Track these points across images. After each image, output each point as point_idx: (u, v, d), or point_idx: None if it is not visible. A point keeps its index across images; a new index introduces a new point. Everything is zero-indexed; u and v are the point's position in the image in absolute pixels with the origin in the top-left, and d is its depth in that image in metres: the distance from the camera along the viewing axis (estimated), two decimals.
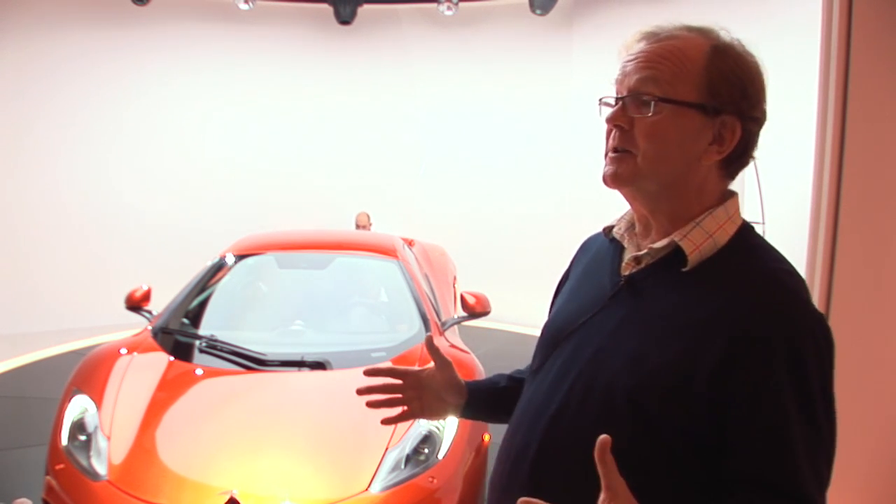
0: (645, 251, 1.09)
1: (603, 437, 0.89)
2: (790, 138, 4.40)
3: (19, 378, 5.77)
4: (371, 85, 8.48)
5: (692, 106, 1.03)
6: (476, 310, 3.85)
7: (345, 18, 8.14)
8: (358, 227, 7.21)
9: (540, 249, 7.93)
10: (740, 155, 1.07)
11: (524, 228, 8.11)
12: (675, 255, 1.06)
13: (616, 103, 1.07)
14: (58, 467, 2.67)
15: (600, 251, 1.22)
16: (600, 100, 1.11)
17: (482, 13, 8.31)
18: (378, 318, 4.01)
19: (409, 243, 5.32)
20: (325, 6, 8.13)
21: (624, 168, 1.06)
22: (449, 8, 7.80)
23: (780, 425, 0.96)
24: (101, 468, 2.60)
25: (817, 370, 0.97)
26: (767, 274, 1.01)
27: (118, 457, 2.62)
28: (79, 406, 2.90)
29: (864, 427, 2.35)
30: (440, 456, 2.68)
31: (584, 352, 1.09)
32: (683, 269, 1.05)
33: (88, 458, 2.66)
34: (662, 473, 0.99)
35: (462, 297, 3.95)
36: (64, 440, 2.77)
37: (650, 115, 1.03)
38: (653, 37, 1.07)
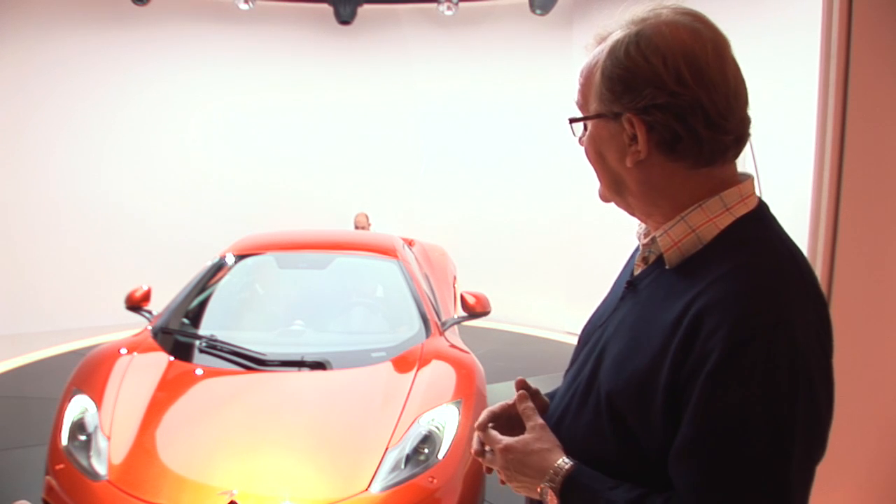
0: (646, 250, 1.09)
1: (520, 392, 1.14)
2: (790, 137, 4.40)
3: (19, 378, 5.77)
4: (371, 85, 8.48)
5: (594, 117, 1.05)
6: (476, 310, 3.85)
7: (345, 18, 8.14)
8: (357, 227, 7.21)
9: (540, 249, 7.95)
10: (674, 142, 0.97)
11: (523, 228, 8.12)
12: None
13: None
14: (58, 467, 2.67)
15: (633, 254, 1.21)
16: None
17: (482, 13, 8.31)
18: (378, 318, 4.01)
19: (409, 243, 5.32)
20: (325, 6, 8.14)
21: (600, 187, 1.11)
22: (449, 8, 7.81)
23: (701, 440, 0.89)
24: (101, 468, 2.60)
25: (764, 380, 0.86)
26: (735, 268, 0.93)
27: (118, 457, 2.62)
28: (79, 406, 2.90)
29: (863, 427, 2.35)
30: (440, 456, 2.68)
31: (591, 356, 1.09)
32: (667, 268, 1.02)
33: (88, 458, 2.66)
34: (652, 480, 0.97)
35: (462, 297, 3.95)
36: (64, 440, 2.77)
37: (582, 137, 1.08)
38: (599, 39, 1.07)
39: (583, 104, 1.07)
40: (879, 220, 2.28)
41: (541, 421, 1.10)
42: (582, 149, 1.10)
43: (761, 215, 1.02)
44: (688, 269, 0.99)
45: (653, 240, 1.05)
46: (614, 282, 1.23)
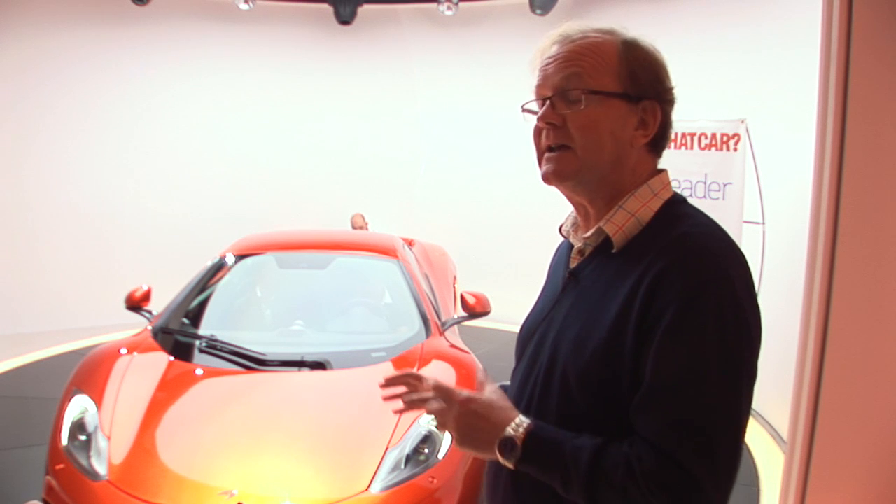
0: (582, 243, 1.17)
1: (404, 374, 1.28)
2: (790, 138, 4.40)
3: (19, 378, 5.76)
4: (371, 85, 8.48)
5: (617, 95, 1.10)
6: (476, 310, 3.85)
7: (345, 18, 8.15)
8: (353, 227, 7.20)
9: (540, 249, 7.94)
10: (662, 135, 1.15)
11: (524, 228, 8.10)
12: (608, 239, 1.12)
13: (543, 104, 1.14)
14: (58, 467, 2.67)
15: (561, 252, 1.29)
16: (522, 107, 1.20)
17: (482, 13, 8.31)
18: (378, 318, 4.01)
19: (409, 243, 5.32)
20: (325, 6, 8.14)
21: (566, 164, 1.12)
22: (449, 8, 7.81)
23: (662, 389, 0.98)
24: (101, 468, 2.60)
25: (716, 329, 0.97)
26: (679, 236, 1.04)
27: (118, 457, 2.62)
28: (79, 406, 2.90)
29: (864, 427, 2.35)
30: (440, 456, 2.68)
31: (543, 348, 1.16)
32: (613, 251, 1.10)
33: (88, 458, 2.66)
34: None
35: (462, 297, 3.95)
36: (64, 440, 2.77)
37: (582, 107, 1.10)
38: (566, 39, 1.16)
39: (587, 79, 1.10)
40: (879, 221, 2.28)
41: (498, 386, 1.17)
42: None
43: (682, 199, 1.15)
44: (632, 249, 1.08)
45: (597, 231, 1.13)
46: (546, 280, 1.31)
